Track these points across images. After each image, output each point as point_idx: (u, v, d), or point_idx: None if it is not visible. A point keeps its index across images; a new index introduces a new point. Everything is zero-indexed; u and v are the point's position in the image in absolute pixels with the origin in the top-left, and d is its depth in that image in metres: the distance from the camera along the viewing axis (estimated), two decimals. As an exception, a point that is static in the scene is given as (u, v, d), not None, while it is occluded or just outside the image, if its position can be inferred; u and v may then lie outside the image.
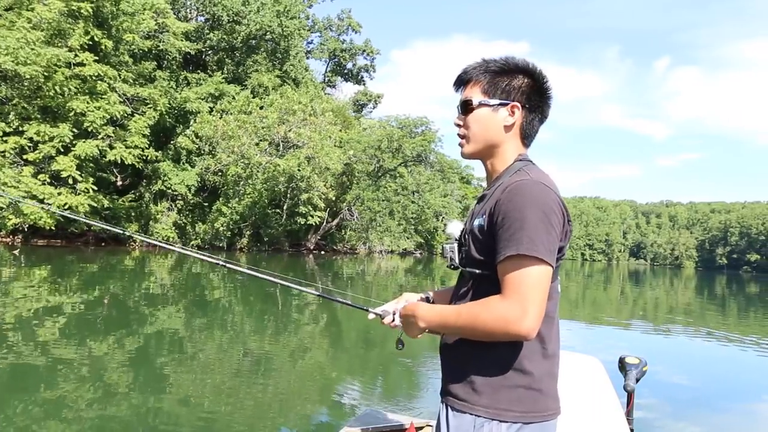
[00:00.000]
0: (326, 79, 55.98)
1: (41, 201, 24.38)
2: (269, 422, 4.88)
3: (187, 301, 12.61)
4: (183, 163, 34.43)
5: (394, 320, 1.76)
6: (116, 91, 27.58)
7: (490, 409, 1.42)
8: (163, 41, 32.49)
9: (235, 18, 37.52)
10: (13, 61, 22.56)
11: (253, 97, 36.87)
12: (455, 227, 1.71)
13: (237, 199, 33.90)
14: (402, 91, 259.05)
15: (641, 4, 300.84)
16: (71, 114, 25.51)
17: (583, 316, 14.72)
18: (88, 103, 25.88)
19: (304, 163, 33.04)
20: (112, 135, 26.99)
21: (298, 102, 34.64)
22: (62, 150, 25.24)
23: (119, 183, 31.54)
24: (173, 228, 33.63)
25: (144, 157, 29.07)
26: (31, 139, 24.74)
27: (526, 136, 1.60)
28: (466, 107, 1.59)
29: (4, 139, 24.47)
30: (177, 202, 34.32)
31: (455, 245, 1.61)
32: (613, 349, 9.26)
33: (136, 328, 8.67)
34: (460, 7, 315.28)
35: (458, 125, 1.62)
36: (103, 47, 27.08)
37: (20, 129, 24.75)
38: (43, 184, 24.72)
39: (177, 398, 5.32)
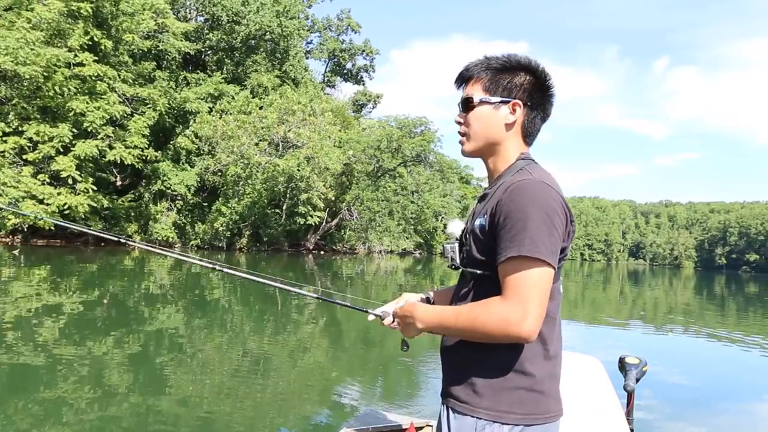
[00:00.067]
0: (326, 79, 55.98)
1: (41, 201, 24.42)
2: (269, 422, 4.88)
3: (187, 301, 12.61)
4: (182, 163, 34.44)
5: (393, 321, 1.74)
6: (116, 91, 27.59)
7: (492, 412, 1.40)
8: (163, 41, 32.51)
9: (234, 18, 37.52)
10: (12, 61, 22.56)
11: (253, 97, 36.88)
12: (456, 226, 1.69)
13: (236, 199, 33.90)
14: (401, 91, 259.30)
15: (640, 4, 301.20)
16: (71, 114, 25.52)
17: (582, 316, 14.72)
18: (87, 103, 25.88)
19: (304, 163, 33.05)
20: (112, 135, 27.00)
21: (297, 102, 34.64)
22: (62, 150, 25.26)
23: (119, 183, 31.55)
24: (173, 228, 33.64)
25: (143, 157, 29.08)
26: (30, 139, 24.74)
27: (528, 135, 1.58)
28: (467, 105, 1.57)
29: (4, 139, 24.47)
30: (176, 202, 34.32)
31: (456, 245, 1.59)
32: (613, 349, 9.26)
33: (136, 328, 8.67)
34: (460, 7, 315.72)
35: (459, 123, 1.60)
36: (102, 47, 27.09)
37: (20, 129, 24.76)
38: (43, 184, 24.74)
39: (176, 398, 5.32)
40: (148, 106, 29.75)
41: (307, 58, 49.87)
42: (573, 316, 14.10)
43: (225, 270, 2.37)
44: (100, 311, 10.10)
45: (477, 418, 1.41)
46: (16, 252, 22.14)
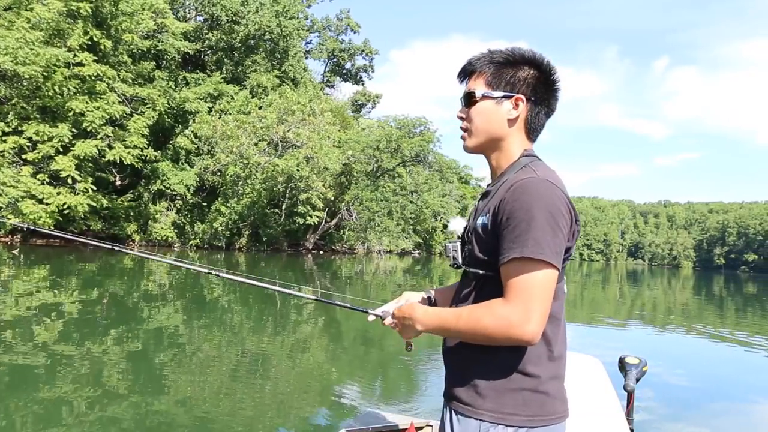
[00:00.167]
0: (325, 79, 55.98)
1: (40, 201, 24.41)
2: (268, 422, 4.87)
3: (186, 301, 12.61)
4: (182, 163, 34.43)
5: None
6: (115, 91, 27.58)
7: (495, 414, 1.37)
8: (162, 41, 32.50)
9: (233, 18, 37.50)
10: (12, 61, 22.55)
11: (252, 97, 36.88)
12: (457, 224, 1.67)
13: (236, 199, 33.89)
14: (401, 91, 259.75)
15: (640, 4, 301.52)
16: (70, 114, 25.50)
17: (582, 316, 14.71)
18: (87, 103, 25.87)
19: (303, 163, 33.05)
20: (111, 135, 26.98)
21: (296, 102, 34.63)
22: (61, 150, 25.25)
23: (118, 183, 31.55)
24: (172, 228, 33.63)
25: (143, 157, 29.07)
26: (30, 139, 24.73)
27: (532, 131, 1.54)
28: (469, 99, 1.54)
29: (3, 138, 24.46)
30: (176, 201, 34.30)
31: (458, 244, 1.57)
32: (613, 349, 9.27)
33: (135, 328, 8.66)
34: (459, 7, 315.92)
35: (461, 118, 1.57)
36: (102, 47, 27.08)
37: (19, 129, 24.75)
38: (42, 183, 24.72)
39: (175, 398, 5.31)
40: (148, 105, 29.74)
41: (306, 58, 49.87)
42: (572, 316, 14.10)
43: (221, 275, 2.31)
44: (99, 311, 10.09)
45: (481, 420, 1.39)
46: (15, 251, 22.12)
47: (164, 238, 33.07)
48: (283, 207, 34.69)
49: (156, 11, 30.58)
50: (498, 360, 1.39)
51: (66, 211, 25.20)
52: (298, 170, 32.65)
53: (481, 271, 1.44)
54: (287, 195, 34.16)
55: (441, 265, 38.49)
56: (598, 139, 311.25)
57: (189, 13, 40.33)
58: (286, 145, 33.99)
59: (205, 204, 35.63)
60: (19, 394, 5.03)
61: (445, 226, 53.88)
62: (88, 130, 25.99)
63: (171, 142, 34.18)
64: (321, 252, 39.53)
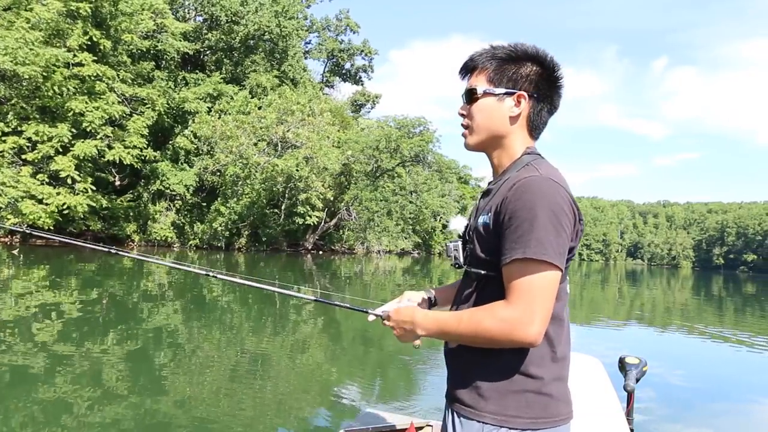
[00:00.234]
0: (324, 79, 55.97)
1: (40, 201, 24.40)
2: (268, 423, 4.87)
3: (185, 301, 12.60)
4: (181, 163, 34.42)
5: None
6: (115, 91, 27.58)
7: (498, 416, 1.35)
8: (162, 41, 32.50)
9: (233, 18, 37.49)
10: (11, 61, 22.54)
11: (252, 98, 36.87)
12: (458, 222, 1.65)
13: (235, 199, 33.89)
14: (400, 92, 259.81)
15: (640, 4, 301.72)
16: (70, 114, 25.49)
17: (582, 316, 14.71)
18: (86, 103, 25.87)
19: (303, 163, 33.04)
20: (111, 135, 26.98)
21: (296, 102, 34.62)
22: (61, 150, 25.25)
23: (118, 183, 31.55)
24: (171, 228, 33.63)
25: (142, 157, 29.08)
26: (29, 139, 24.72)
27: (534, 128, 1.51)
28: (470, 96, 1.51)
29: (3, 139, 24.46)
30: (175, 202, 34.30)
31: (459, 243, 1.55)
32: (613, 349, 9.27)
33: (134, 328, 8.65)
34: (459, 7, 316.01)
35: (462, 115, 1.55)
36: (101, 47, 27.07)
37: (19, 129, 24.75)
38: (42, 184, 24.72)
39: (175, 399, 5.31)
40: (147, 106, 29.74)
41: (305, 58, 49.87)
42: (572, 316, 14.02)
43: (219, 277, 2.29)
44: (99, 311, 10.08)
45: (483, 422, 1.37)
46: (15, 252, 22.12)
47: (164, 239, 33.07)
48: (283, 207, 34.69)
49: (155, 11, 30.58)
50: (500, 361, 1.37)
51: (65, 212, 25.20)
52: (297, 170, 32.65)
53: (482, 272, 1.42)
54: (287, 195, 34.16)
55: (440, 265, 38.50)
56: (598, 139, 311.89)
57: (188, 13, 40.32)
58: (286, 145, 33.98)
59: (204, 204, 35.62)
60: (19, 394, 5.02)
61: (444, 226, 53.90)
62: (88, 130, 25.99)
63: (170, 142, 34.17)
64: (320, 252, 39.52)
